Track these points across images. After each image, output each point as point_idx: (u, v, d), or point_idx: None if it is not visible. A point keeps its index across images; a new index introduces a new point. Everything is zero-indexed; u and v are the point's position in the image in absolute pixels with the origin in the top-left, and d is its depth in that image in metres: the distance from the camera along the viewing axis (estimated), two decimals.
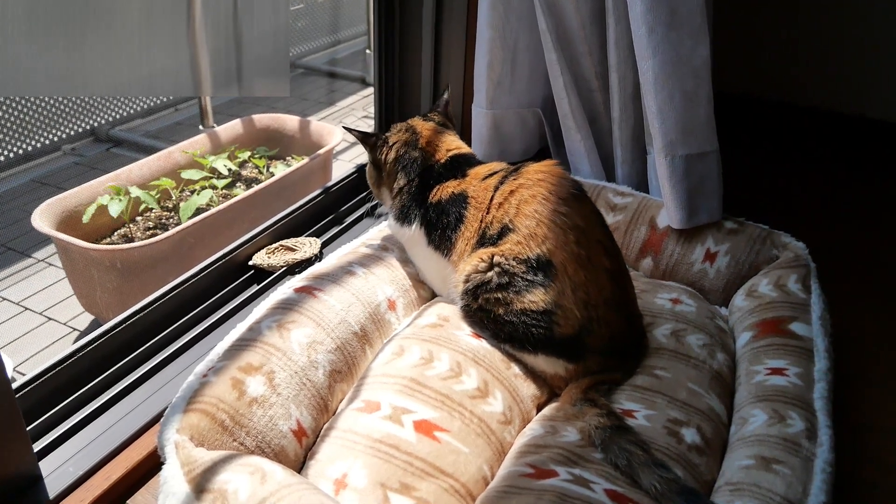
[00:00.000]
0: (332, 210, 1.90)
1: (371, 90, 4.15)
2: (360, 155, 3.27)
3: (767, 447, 1.04)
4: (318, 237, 1.74)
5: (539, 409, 1.19)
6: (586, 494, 0.91)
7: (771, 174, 2.22)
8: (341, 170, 2.68)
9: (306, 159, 2.23)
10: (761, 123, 2.56)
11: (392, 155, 1.38)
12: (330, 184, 1.95)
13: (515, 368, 1.19)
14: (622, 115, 1.70)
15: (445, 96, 1.50)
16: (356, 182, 2.00)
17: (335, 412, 1.12)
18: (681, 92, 1.43)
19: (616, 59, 1.64)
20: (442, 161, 1.35)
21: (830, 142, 2.49)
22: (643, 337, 1.25)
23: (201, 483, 0.84)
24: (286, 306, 1.16)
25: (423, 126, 1.40)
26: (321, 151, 2.26)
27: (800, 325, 1.29)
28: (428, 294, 1.41)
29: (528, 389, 1.18)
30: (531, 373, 1.20)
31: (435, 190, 1.32)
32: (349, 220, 1.87)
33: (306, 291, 1.20)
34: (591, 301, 1.15)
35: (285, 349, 1.08)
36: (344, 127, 1.46)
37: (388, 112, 2.09)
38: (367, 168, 1.47)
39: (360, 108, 3.87)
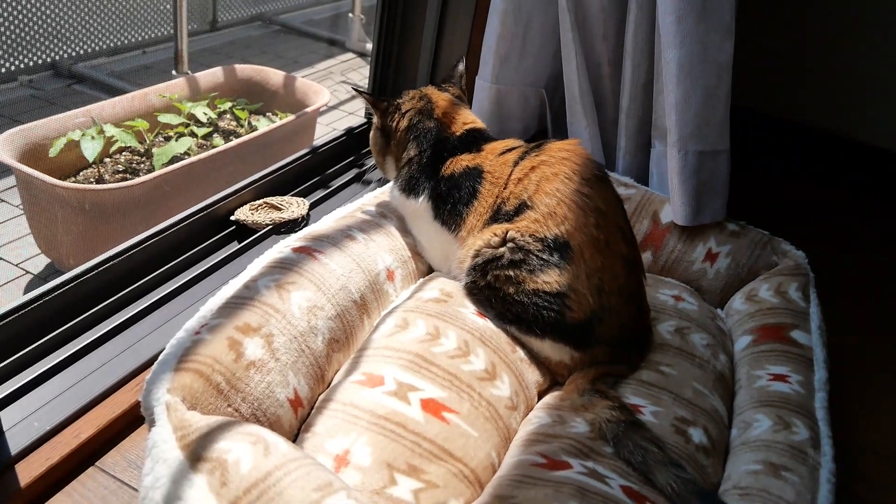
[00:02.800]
0: (318, 172, 1.81)
1: (350, 56, 4.03)
2: (338, 119, 3.16)
3: (775, 453, 1.02)
4: (302, 198, 1.65)
5: (540, 396, 1.15)
6: (604, 490, 0.87)
7: (765, 186, 2.23)
8: (318, 133, 2.57)
9: (291, 116, 2.12)
10: (757, 136, 2.56)
11: (404, 123, 1.30)
12: (318, 144, 1.86)
13: (521, 352, 1.14)
14: (631, 104, 1.66)
15: (461, 68, 1.43)
16: (345, 145, 1.92)
17: (330, 383, 1.04)
18: (703, 86, 1.40)
19: (633, 47, 1.59)
20: (458, 134, 1.28)
21: (829, 163, 2.49)
22: (649, 331, 1.22)
23: (197, 450, 0.76)
24: (285, 266, 1.08)
25: (438, 96, 1.33)
26: (308, 110, 2.15)
27: (800, 333, 1.27)
28: (426, 267, 1.34)
29: (532, 375, 1.13)
30: (535, 358, 1.15)
31: (448, 163, 1.25)
32: (336, 184, 1.78)
33: (306, 252, 1.12)
34: (605, 288, 1.10)
35: (285, 311, 1.00)
36: (354, 88, 1.38)
37: (383, 79, 2.00)
38: (371, 134, 1.39)
39: (337, 73, 3.74)
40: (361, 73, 3.80)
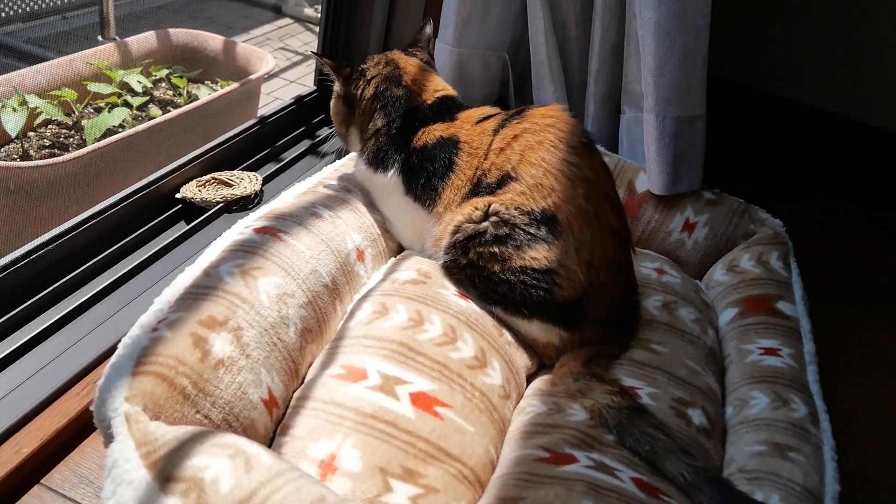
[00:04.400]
0: (268, 144, 1.68)
1: (288, 21, 3.84)
2: (279, 88, 2.99)
3: (777, 432, 0.98)
4: (253, 172, 1.53)
5: (528, 381, 1.08)
6: (615, 484, 0.80)
7: (731, 157, 2.19)
8: (260, 103, 2.41)
9: (234, 84, 1.96)
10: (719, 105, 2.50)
11: (370, 91, 1.20)
12: (266, 114, 1.73)
13: (507, 335, 1.06)
14: (600, 68, 1.58)
15: (428, 30, 1.32)
16: (295, 115, 1.79)
17: (304, 378, 0.95)
18: (682, 48, 1.33)
19: (602, 6, 1.51)
20: (429, 102, 1.19)
21: (797, 134, 2.46)
22: (637, 307, 1.16)
23: (167, 468, 0.66)
24: (248, 249, 0.97)
25: (406, 62, 1.23)
26: (252, 77, 1.99)
27: (786, 304, 1.24)
28: (396, 245, 1.25)
29: (521, 359, 1.06)
30: (522, 340, 1.08)
31: (420, 133, 1.16)
32: (288, 156, 1.66)
33: (270, 233, 1.01)
34: (595, 263, 1.03)
35: (253, 301, 0.89)
36: (313, 52, 1.26)
37: (333, 43, 1.87)
38: (332, 103, 1.27)
39: (275, 39, 3.55)
40: (301, 40, 3.62)
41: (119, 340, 1.00)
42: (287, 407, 0.89)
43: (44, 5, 3.02)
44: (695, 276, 1.41)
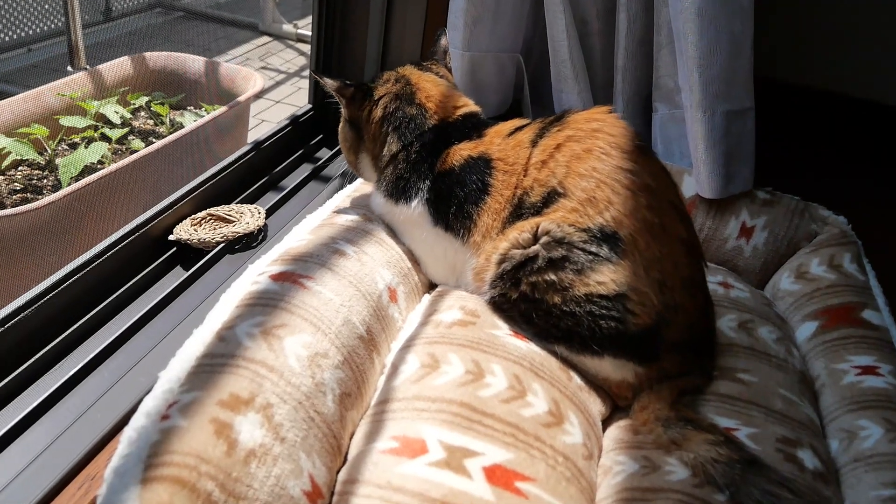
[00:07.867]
0: (265, 171, 1.52)
1: (266, 39, 3.69)
2: (264, 110, 2.83)
3: None
4: (253, 205, 1.37)
5: (603, 427, 0.92)
6: None
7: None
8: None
9: (222, 108, 1.80)
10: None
11: (378, 112, 1.06)
12: (260, 139, 1.57)
13: (577, 378, 0.91)
14: (627, 63, 1.44)
15: (443, 42, 1.18)
16: (291, 137, 1.63)
17: (346, 454, 0.79)
18: (728, 34, 1.19)
19: None
20: (450, 120, 1.04)
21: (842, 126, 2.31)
22: (714, 329, 1.01)
23: None
24: (266, 302, 0.81)
25: (420, 77, 1.09)
26: (241, 99, 1.83)
27: (871, 312, 1.10)
28: (427, 277, 1.10)
29: (595, 405, 0.90)
30: (591, 382, 0.93)
31: (444, 155, 1.01)
32: (290, 184, 1.50)
33: (290, 280, 0.85)
34: (668, 282, 0.88)
35: (281, 368, 0.73)
36: (314, 72, 1.11)
37: (327, 59, 1.71)
38: (340, 128, 1.13)
39: (255, 59, 3.39)
40: (282, 57, 3.47)
41: (120, 421, 0.85)
42: (332, 493, 0.73)
43: (6, 38, 2.84)
44: (756, 286, 1.27)
